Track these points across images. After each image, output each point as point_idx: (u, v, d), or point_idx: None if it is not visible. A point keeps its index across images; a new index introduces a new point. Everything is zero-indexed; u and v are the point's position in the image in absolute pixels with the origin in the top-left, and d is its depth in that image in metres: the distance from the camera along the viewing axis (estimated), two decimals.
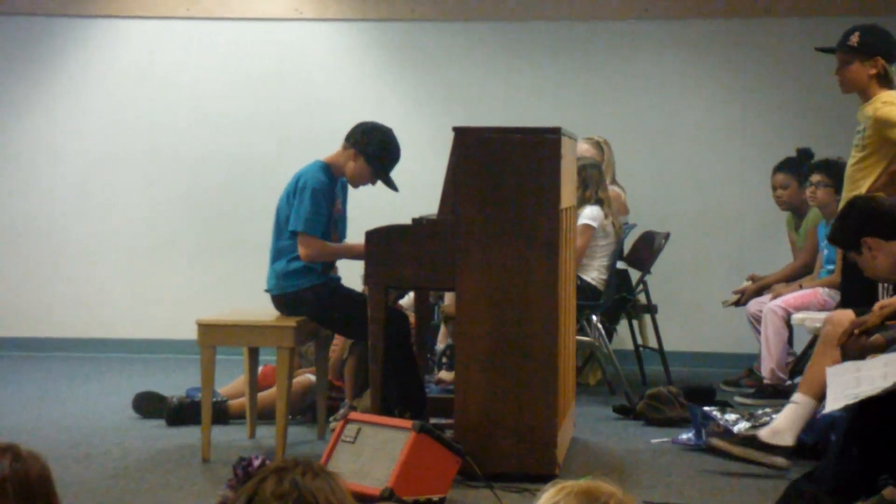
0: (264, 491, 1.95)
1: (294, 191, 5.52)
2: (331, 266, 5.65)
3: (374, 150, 5.56)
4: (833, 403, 4.17)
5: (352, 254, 5.52)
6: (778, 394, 6.47)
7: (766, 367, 6.54)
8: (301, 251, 5.46)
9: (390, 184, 5.63)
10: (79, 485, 4.72)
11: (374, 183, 5.66)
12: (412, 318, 5.96)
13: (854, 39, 5.33)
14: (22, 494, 2.15)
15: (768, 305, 6.56)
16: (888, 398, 4.03)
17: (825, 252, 6.77)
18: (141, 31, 8.35)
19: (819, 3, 7.93)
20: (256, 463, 2.13)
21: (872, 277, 4.87)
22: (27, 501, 2.15)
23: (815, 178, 6.75)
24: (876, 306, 4.58)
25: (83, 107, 8.35)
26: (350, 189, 5.76)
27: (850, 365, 4.35)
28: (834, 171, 6.68)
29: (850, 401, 4.07)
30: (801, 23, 7.92)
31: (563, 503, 1.97)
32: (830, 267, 6.65)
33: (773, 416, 5.32)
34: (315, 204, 5.45)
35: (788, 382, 6.64)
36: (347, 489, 2.05)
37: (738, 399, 6.49)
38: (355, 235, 5.60)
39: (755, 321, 6.78)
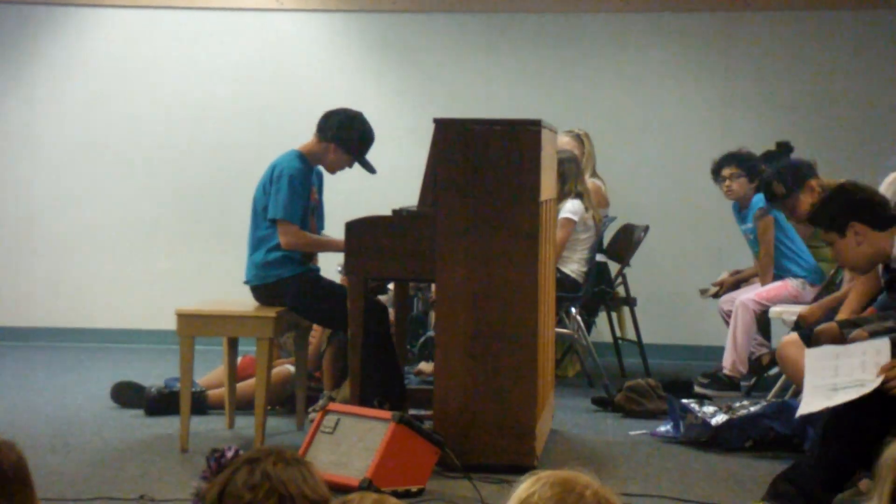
0: (236, 482, 1.96)
1: (270, 180, 5.51)
2: (310, 256, 5.65)
3: (355, 139, 5.58)
4: (808, 405, 4.18)
5: (335, 248, 5.50)
6: (733, 386, 6.49)
7: (729, 360, 6.54)
8: (281, 239, 5.45)
9: (367, 166, 5.65)
10: (57, 474, 4.71)
11: (350, 166, 5.69)
12: (391, 312, 5.96)
13: (778, 189, 6.03)
14: None
15: (740, 299, 6.57)
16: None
17: (748, 234, 6.81)
18: (120, 19, 8.31)
19: None
20: (229, 454, 2.13)
21: (844, 264, 4.87)
22: (1, 490, 2.14)
23: (727, 171, 6.74)
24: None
25: (62, 96, 8.32)
26: (328, 179, 5.77)
27: (830, 350, 4.35)
28: (742, 162, 6.70)
29: (826, 404, 4.08)
30: (781, 17, 7.93)
31: (540, 493, 1.97)
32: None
33: (751, 408, 5.35)
34: (293, 191, 5.45)
35: (745, 383, 6.61)
36: (321, 477, 2.05)
37: (696, 389, 6.46)
38: (334, 225, 5.60)
39: (726, 315, 6.79)
